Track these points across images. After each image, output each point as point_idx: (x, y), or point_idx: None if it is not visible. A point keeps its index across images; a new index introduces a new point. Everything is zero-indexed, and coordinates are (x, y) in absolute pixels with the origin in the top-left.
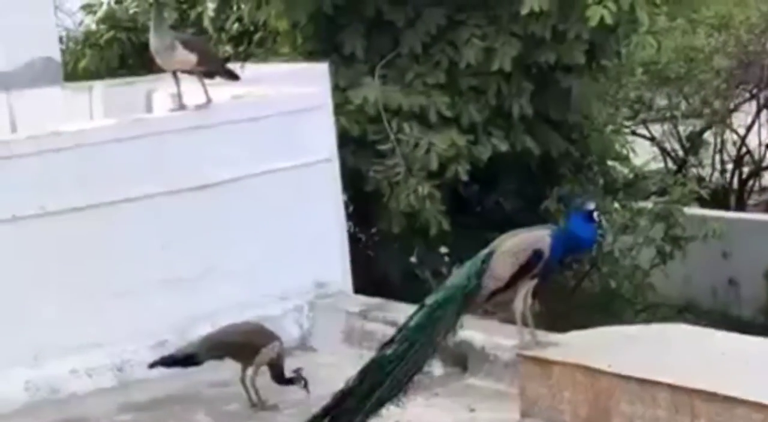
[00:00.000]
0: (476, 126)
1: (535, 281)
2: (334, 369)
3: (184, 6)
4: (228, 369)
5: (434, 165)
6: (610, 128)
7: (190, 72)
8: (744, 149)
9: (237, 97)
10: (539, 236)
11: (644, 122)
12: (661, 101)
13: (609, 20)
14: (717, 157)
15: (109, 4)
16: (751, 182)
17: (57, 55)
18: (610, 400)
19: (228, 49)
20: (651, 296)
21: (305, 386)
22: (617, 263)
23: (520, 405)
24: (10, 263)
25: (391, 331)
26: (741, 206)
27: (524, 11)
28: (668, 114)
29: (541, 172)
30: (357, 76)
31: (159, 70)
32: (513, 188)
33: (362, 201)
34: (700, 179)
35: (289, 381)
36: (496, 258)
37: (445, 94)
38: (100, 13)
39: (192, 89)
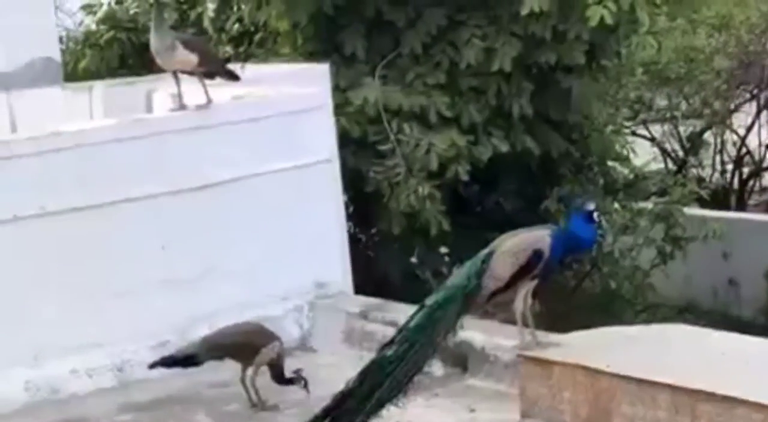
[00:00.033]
0: (476, 126)
1: (535, 282)
2: (334, 369)
3: (185, 6)
4: (228, 369)
5: (434, 165)
6: (610, 128)
7: (190, 72)
8: (744, 150)
9: (237, 97)
10: (539, 237)
11: (644, 123)
12: (662, 102)
13: (609, 20)
14: (717, 157)
15: (109, 4)
16: (751, 183)
17: (57, 56)
18: (610, 401)
19: (228, 49)
20: (651, 297)
21: (305, 386)
22: (617, 263)
23: (520, 406)
24: (10, 263)
25: (391, 331)
26: (741, 207)
27: (524, 11)
28: (668, 114)
29: (542, 172)
30: (357, 76)
31: (159, 70)
32: (513, 189)
33: (362, 201)
34: (700, 180)
35: (290, 382)
36: (496, 258)
37: (445, 94)
38: (100, 14)
39: (192, 90)
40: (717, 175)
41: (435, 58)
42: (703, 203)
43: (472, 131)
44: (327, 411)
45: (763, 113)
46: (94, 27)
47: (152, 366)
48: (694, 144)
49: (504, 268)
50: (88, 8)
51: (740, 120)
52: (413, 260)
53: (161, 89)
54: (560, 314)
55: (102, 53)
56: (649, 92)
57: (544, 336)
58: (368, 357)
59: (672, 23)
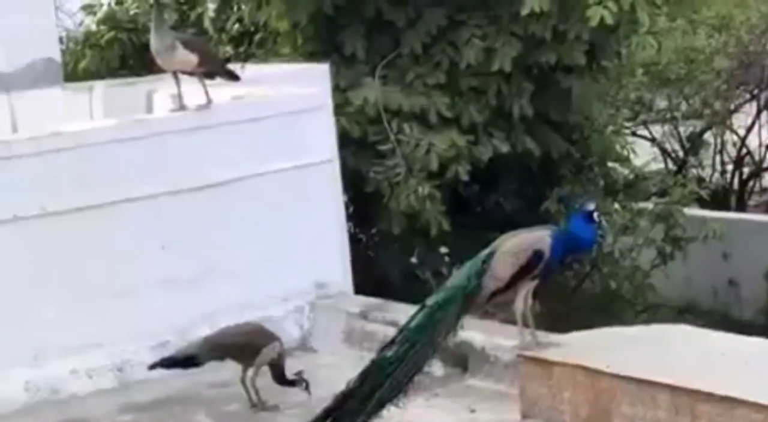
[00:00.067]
0: (476, 127)
1: (535, 282)
2: (334, 369)
3: (185, 7)
4: (228, 369)
5: (434, 166)
6: (610, 128)
7: (190, 73)
8: (744, 150)
9: (237, 97)
10: (539, 237)
11: (645, 123)
12: (662, 102)
13: (609, 21)
14: (717, 158)
15: (109, 4)
16: (751, 183)
17: (57, 56)
18: (610, 401)
19: (228, 49)
20: (651, 297)
21: (307, 388)
22: (617, 263)
23: (520, 406)
24: (10, 264)
25: (391, 332)
26: (741, 207)
27: (525, 12)
28: (668, 115)
29: (542, 172)
30: (357, 76)
31: (159, 70)
32: (513, 189)
33: (363, 202)
34: (700, 180)
35: (291, 384)
36: (496, 259)
37: (445, 94)
38: (100, 14)
39: (192, 90)
40: (717, 175)
41: (435, 58)
42: (703, 203)
43: (472, 132)
44: (328, 412)
45: (763, 114)
46: (94, 27)
47: (152, 367)
48: (694, 144)
49: (504, 268)
50: (88, 9)
51: (740, 120)
52: (413, 260)
53: (161, 90)
54: (560, 314)
55: (102, 54)
56: (650, 93)
57: (544, 336)
58: (368, 357)
59: (672, 24)
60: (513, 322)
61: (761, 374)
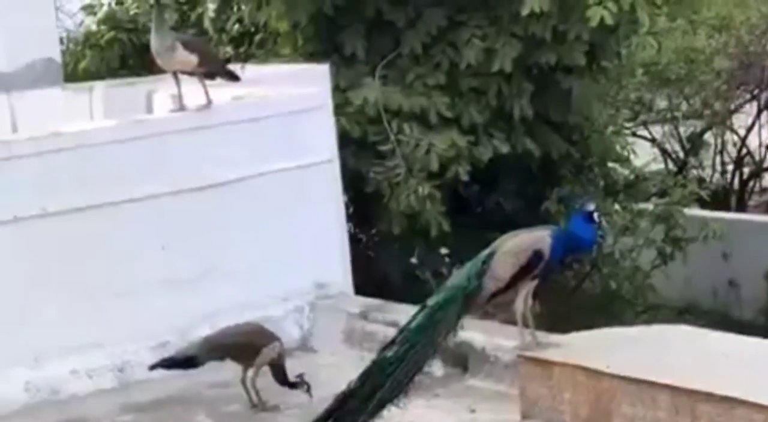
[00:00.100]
0: (477, 127)
1: (535, 282)
2: (334, 369)
3: (185, 7)
4: (229, 369)
5: (434, 166)
6: (610, 129)
7: (190, 73)
8: (744, 150)
9: (237, 98)
10: (540, 237)
11: (645, 124)
12: (662, 102)
13: (609, 21)
14: (717, 158)
15: (109, 5)
16: (751, 183)
17: (57, 56)
18: (611, 401)
19: (228, 50)
20: (651, 298)
21: (308, 390)
22: (618, 264)
23: (520, 406)
24: (10, 264)
25: (391, 332)
26: (741, 207)
27: (525, 12)
28: (669, 115)
29: (542, 173)
30: (357, 76)
31: (159, 71)
32: (513, 189)
33: (363, 202)
34: (700, 181)
35: (293, 385)
36: (496, 259)
37: (445, 95)
38: (100, 14)
39: (192, 90)
40: (717, 176)
41: (435, 59)
42: (703, 203)
43: (472, 132)
44: (329, 412)
45: (764, 114)
46: (94, 28)
47: (152, 367)
48: (694, 145)
49: (504, 269)
50: (88, 9)
51: (740, 121)
52: (413, 260)
53: (161, 90)
54: (560, 314)
55: (102, 54)
56: (650, 93)
57: (544, 336)
58: (369, 357)
59: (672, 24)
60: (513, 322)
61: (761, 374)
